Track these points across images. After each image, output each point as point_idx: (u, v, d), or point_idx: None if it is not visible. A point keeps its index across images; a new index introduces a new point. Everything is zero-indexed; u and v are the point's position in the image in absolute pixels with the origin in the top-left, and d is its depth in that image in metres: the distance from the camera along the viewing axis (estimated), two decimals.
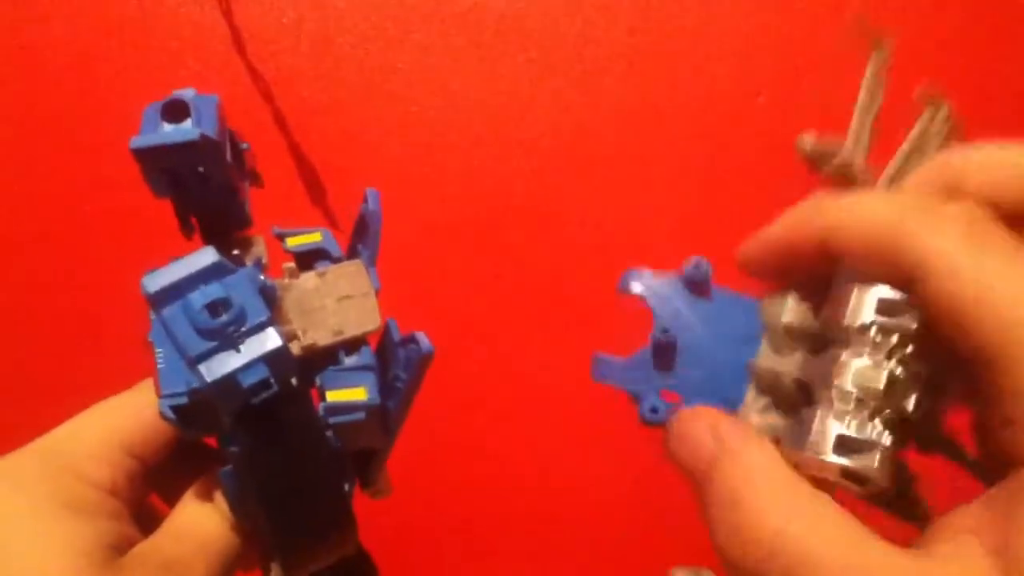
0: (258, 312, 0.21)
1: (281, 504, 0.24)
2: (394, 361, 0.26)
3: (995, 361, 0.18)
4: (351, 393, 0.25)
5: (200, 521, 0.26)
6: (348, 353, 0.26)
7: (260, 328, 0.21)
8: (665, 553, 0.65)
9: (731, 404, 0.24)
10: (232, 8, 0.66)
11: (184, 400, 0.23)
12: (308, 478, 0.25)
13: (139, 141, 0.25)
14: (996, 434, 0.18)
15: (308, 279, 0.26)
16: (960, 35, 0.68)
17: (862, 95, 0.27)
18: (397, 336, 0.26)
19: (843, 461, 0.20)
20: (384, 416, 0.26)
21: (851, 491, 0.21)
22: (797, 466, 0.21)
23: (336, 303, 0.26)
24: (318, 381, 0.25)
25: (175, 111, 0.25)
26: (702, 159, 0.67)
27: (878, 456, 0.20)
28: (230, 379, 0.20)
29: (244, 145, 0.28)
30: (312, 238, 0.28)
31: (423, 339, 0.25)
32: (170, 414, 0.23)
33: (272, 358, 0.20)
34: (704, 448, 0.21)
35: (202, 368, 0.20)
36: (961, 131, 0.26)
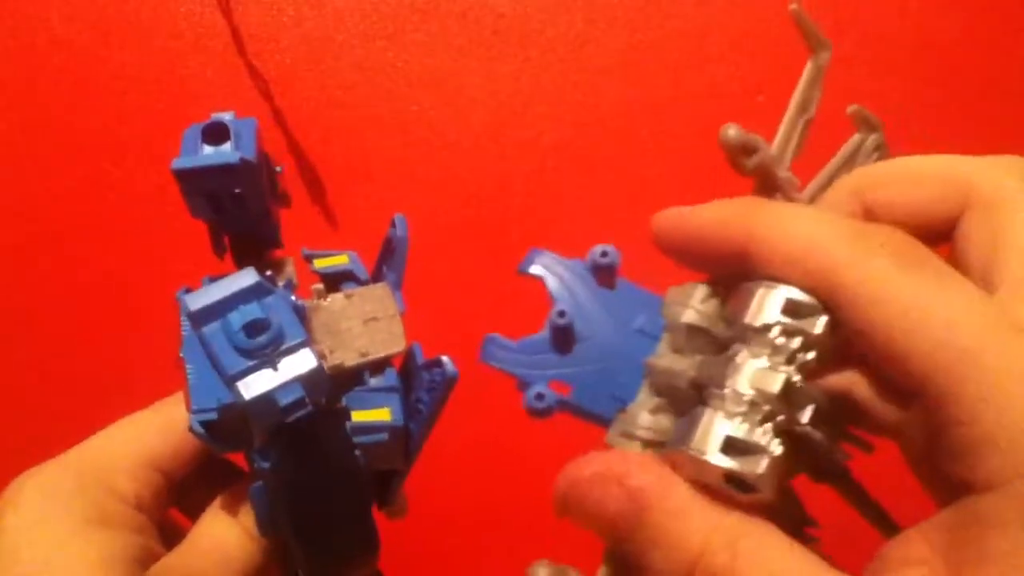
0: (295, 333, 0.21)
1: (309, 522, 0.24)
2: (418, 383, 0.26)
3: (937, 389, 0.17)
4: (376, 414, 0.25)
5: (223, 536, 0.26)
6: (373, 374, 0.26)
7: (297, 348, 0.21)
8: None
9: (621, 401, 0.23)
10: (232, 7, 0.66)
11: (215, 416, 0.23)
12: (336, 497, 0.25)
13: (181, 163, 0.25)
14: (941, 462, 0.18)
15: (335, 300, 0.27)
16: (960, 35, 0.68)
17: (794, 99, 0.26)
18: (421, 359, 0.26)
19: (727, 463, 0.19)
20: (407, 437, 0.26)
21: (733, 500, 0.19)
22: (676, 467, 0.20)
23: (362, 325, 0.26)
24: (344, 401, 0.25)
25: (215, 134, 0.25)
26: (702, 159, 0.67)
27: (765, 462, 0.19)
28: (267, 398, 0.20)
29: (278, 168, 0.29)
30: (339, 260, 0.29)
31: (448, 363, 0.25)
32: (200, 430, 0.23)
33: (308, 379, 0.21)
34: (617, 509, 0.20)
35: (240, 386, 0.21)
36: (888, 154, 0.25)
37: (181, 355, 0.25)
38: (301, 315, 0.24)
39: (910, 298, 0.17)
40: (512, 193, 0.66)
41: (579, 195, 0.67)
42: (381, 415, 0.25)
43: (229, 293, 0.22)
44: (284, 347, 0.21)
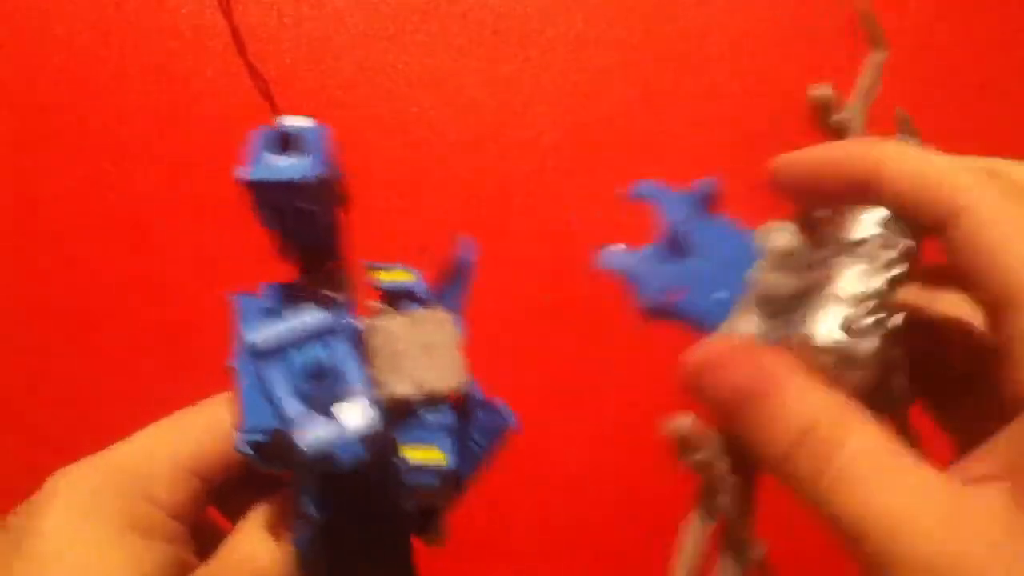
0: (356, 381, 0.21)
1: (347, 560, 0.24)
2: (473, 422, 0.25)
3: (1013, 301, 0.19)
4: (428, 454, 0.24)
5: (258, 554, 0.25)
6: (428, 408, 0.25)
7: (358, 399, 0.21)
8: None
9: (727, 311, 0.24)
10: (232, 7, 0.65)
11: (265, 439, 0.22)
12: (377, 535, 0.24)
13: (252, 174, 0.24)
14: (1010, 378, 0.19)
15: (395, 322, 0.26)
16: (961, 34, 0.68)
17: (863, 78, 0.28)
18: (478, 396, 0.25)
19: (843, 340, 0.20)
20: (457, 480, 0.25)
21: (840, 383, 0.20)
22: (791, 351, 0.21)
23: (421, 351, 0.25)
24: (393, 433, 0.25)
25: (289, 143, 0.25)
26: (701, 159, 0.67)
27: (877, 340, 0.20)
28: (324, 450, 0.20)
29: (339, 173, 0.28)
30: (403, 276, 0.28)
31: (506, 411, 0.25)
32: (248, 450, 0.23)
33: (367, 435, 0.21)
34: (743, 383, 0.21)
35: (297, 434, 0.20)
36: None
37: (234, 365, 0.24)
38: (359, 339, 0.24)
39: (1009, 221, 0.20)
40: (512, 193, 0.66)
41: (579, 195, 0.67)
42: (433, 456, 0.24)
43: (294, 332, 0.21)
44: (345, 396, 0.21)
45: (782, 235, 0.25)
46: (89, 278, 0.64)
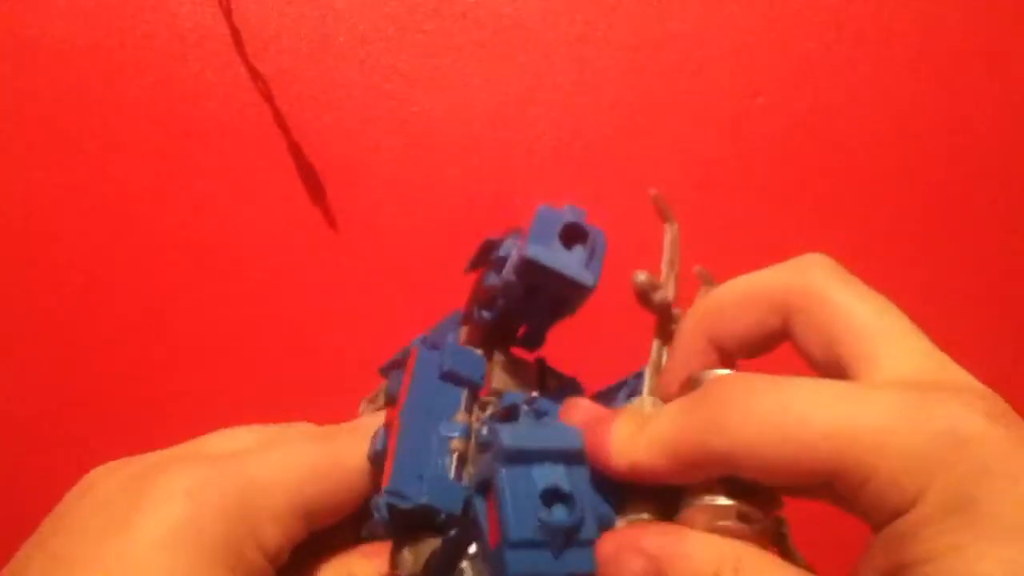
0: (591, 529, 0.20)
1: None
2: None
3: (839, 473, 0.19)
4: None
5: None
6: None
7: (585, 545, 0.20)
8: None
9: None
10: (232, 8, 0.66)
11: (409, 507, 0.22)
12: None
13: (538, 255, 0.24)
14: (869, 522, 0.19)
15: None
16: (961, 34, 0.68)
17: (665, 255, 0.30)
18: None
19: (733, 502, 0.21)
20: None
21: (743, 534, 0.21)
22: (689, 522, 0.21)
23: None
24: None
25: (575, 235, 0.25)
26: (701, 160, 0.67)
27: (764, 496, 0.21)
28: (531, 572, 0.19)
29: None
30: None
31: None
32: (384, 513, 0.22)
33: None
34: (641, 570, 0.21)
35: (511, 555, 0.19)
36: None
37: (398, 415, 0.23)
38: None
39: (769, 423, 0.20)
40: (512, 193, 0.66)
41: (579, 196, 0.67)
42: None
43: (547, 447, 0.20)
44: (576, 538, 0.19)
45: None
46: (87, 278, 0.64)
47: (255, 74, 0.65)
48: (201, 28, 0.65)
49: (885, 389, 0.19)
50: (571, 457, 0.20)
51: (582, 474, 0.20)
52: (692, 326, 0.26)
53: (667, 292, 0.27)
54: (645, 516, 0.22)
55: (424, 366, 0.25)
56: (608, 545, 0.21)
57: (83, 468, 0.26)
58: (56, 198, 0.65)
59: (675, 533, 0.21)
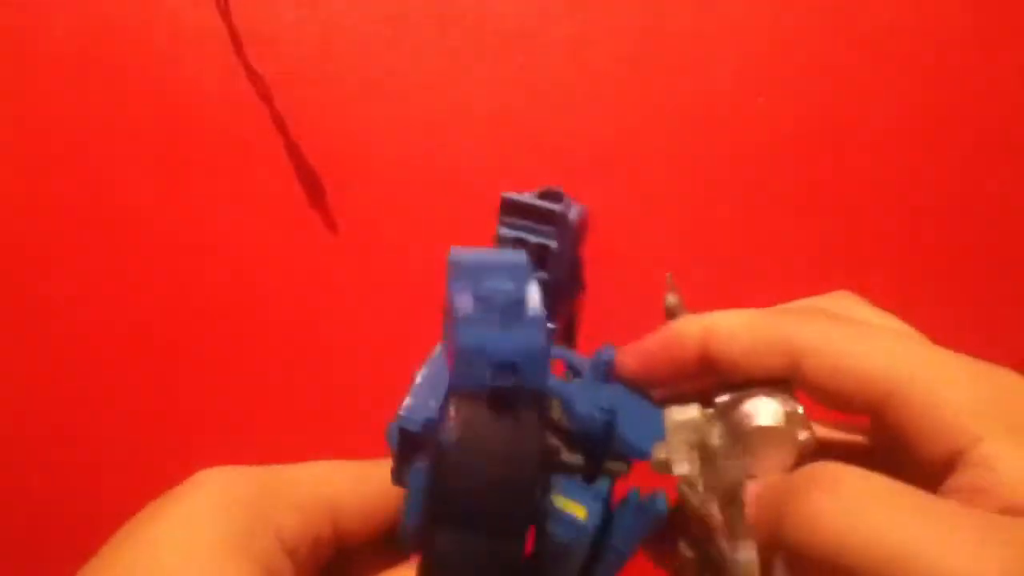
0: (536, 310, 0.21)
1: (454, 536, 0.22)
2: (620, 524, 0.24)
3: (901, 397, 0.21)
4: (572, 507, 0.23)
5: None
6: (585, 479, 0.25)
7: (531, 324, 0.21)
8: None
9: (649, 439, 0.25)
10: (231, 8, 0.65)
11: (416, 428, 0.23)
12: (492, 524, 0.22)
13: (511, 195, 0.27)
14: (919, 461, 0.21)
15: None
16: (962, 34, 0.68)
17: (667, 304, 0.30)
18: (635, 499, 0.24)
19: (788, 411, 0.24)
20: (584, 566, 0.24)
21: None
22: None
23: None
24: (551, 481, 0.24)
25: (551, 195, 0.28)
26: (701, 160, 0.67)
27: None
28: (480, 349, 0.20)
29: (582, 284, 0.31)
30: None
31: (661, 498, 0.24)
32: (394, 435, 0.23)
33: (527, 351, 0.20)
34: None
35: (460, 329, 0.20)
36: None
37: (414, 373, 0.25)
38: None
39: (851, 340, 0.22)
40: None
41: (579, 195, 0.67)
42: (576, 511, 0.23)
43: (493, 259, 0.23)
44: (520, 318, 0.20)
45: (684, 411, 0.25)
46: (87, 279, 0.64)
47: (254, 75, 0.65)
48: (200, 29, 0.65)
49: (952, 353, 0.21)
50: (518, 270, 0.22)
51: (532, 283, 0.22)
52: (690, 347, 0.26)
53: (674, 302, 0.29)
54: (693, 409, 0.24)
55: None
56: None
57: (81, 468, 0.26)
58: (55, 198, 0.64)
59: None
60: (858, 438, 0.25)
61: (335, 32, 0.66)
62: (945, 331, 0.26)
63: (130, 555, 0.23)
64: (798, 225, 0.65)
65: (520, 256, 0.23)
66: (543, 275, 0.27)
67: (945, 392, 0.20)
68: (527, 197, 0.27)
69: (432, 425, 0.22)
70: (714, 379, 0.24)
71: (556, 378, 0.26)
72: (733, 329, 0.23)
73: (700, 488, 0.23)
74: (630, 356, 0.26)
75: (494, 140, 0.67)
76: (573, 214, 0.27)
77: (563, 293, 0.29)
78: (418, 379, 0.24)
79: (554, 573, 0.23)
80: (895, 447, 0.21)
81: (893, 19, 0.68)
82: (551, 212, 0.26)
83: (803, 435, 0.23)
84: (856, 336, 0.22)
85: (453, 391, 0.20)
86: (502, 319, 0.20)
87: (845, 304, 0.24)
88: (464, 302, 0.21)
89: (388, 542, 0.27)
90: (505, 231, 0.27)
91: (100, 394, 0.64)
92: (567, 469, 0.25)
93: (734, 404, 0.24)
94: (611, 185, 0.67)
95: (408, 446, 0.23)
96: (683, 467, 0.23)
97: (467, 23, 0.67)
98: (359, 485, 0.26)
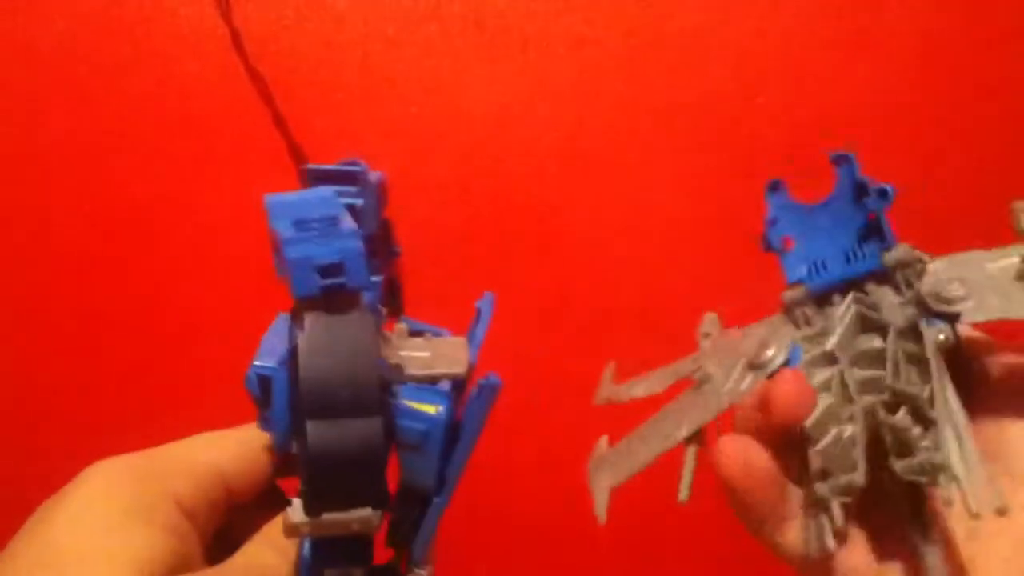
0: (348, 225, 0.24)
1: (317, 430, 0.24)
2: (465, 412, 0.27)
3: None
4: (424, 406, 0.26)
5: (262, 559, 0.26)
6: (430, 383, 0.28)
7: (346, 235, 0.23)
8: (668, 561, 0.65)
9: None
10: (231, 8, 0.65)
11: (269, 372, 0.25)
12: (356, 437, 0.24)
13: (313, 166, 0.31)
14: None
15: (415, 340, 0.30)
16: (962, 34, 0.68)
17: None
18: (473, 392, 0.27)
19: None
20: (444, 451, 0.26)
21: None
22: None
23: (433, 354, 0.29)
24: (397, 391, 0.26)
25: (349, 165, 0.30)
26: (702, 160, 0.67)
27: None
28: (307, 259, 0.23)
29: (396, 249, 0.33)
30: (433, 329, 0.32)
31: (491, 375, 0.26)
32: (254, 380, 0.26)
33: (349, 253, 0.23)
34: None
35: (287, 248, 0.23)
36: None
37: (264, 336, 0.28)
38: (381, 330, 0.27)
39: None
40: (511, 194, 0.66)
41: (579, 196, 0.67)
42: (429, 408, 0.26)
43: (305, 197, 0.25)
44: (336, 233, 0.23)
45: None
46: (88, 277, 0.64)
47: (254, 75, 0.65)
48: (200, 29, 0.65)
49: None
50: (328, 202, 0.25)
51: (340, 207, 0.25)
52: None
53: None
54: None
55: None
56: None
57: (79, 464, 0.27)
58: (55, 198, 0.65)
59: None
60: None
61: (335, 32, 0.66)
62: None
63: (32, 551, 0.24)
64: None
65: (328, 191, 0.26)
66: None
67: None
68: (328, 166, 0.30)
69: (280, 367, 0.25)
70: None
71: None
72: None
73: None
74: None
75: (494, 140, 0.67)
76: (374, 176, 0.30)
77: (379, 252, 0.32)
78: (268, 333, 0.27)
79: (418, 462, 0.26)
80: None
81: (893, 19, 0.68)
82: (353, 173, 0.29)
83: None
84: None
85: (296, 303, 0.24)
86: (320, 234, 0.23)
87: None
88: (286, 228, 0.23)
89: (269, 497, 0.29)
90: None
91: (98, 388, 0.64)
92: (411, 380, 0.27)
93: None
94: (611, 184, 0.67)
95: (266, 391, 0.25)
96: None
97: (467, 23, 0.67)
98: (241, 448, 0.28)
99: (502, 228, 0.65)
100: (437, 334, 0.31)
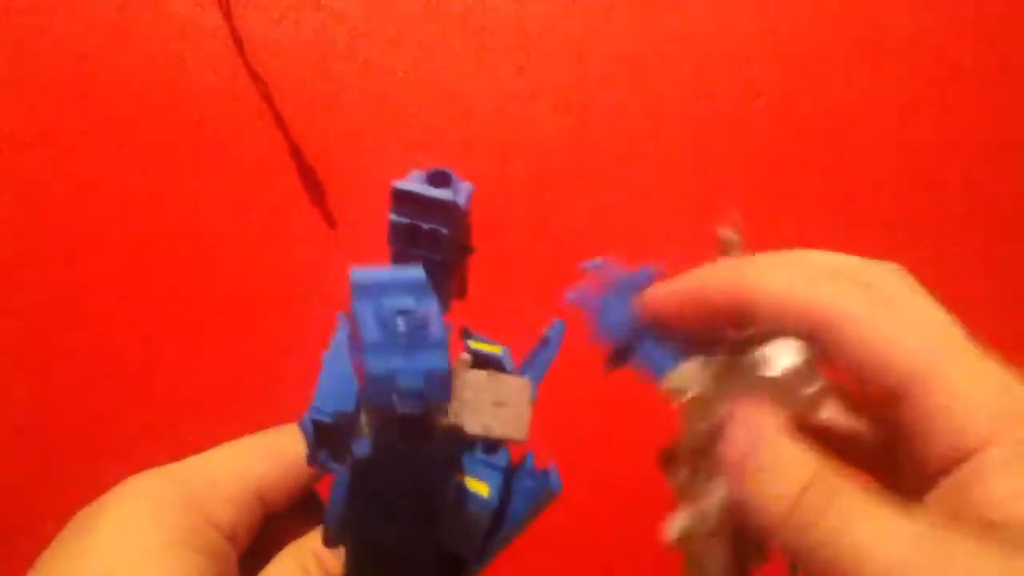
0: (438, 331, 0.22)
1: (374, 527, 0.24)
2: (518, 489, 0.26)
3: (918, 388, 0.20)
4: (474, 484, 0.25)
5: None
6: (485, 451, 0.27)
7: (434, 346, 0.22)
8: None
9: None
10: (232, 10, 0.66)
11: (328, 420, 0.24)
12: (408, 531, 0.24)
13: (402, 184, 0.28)
14: (928, 447, 0.21)
15: (476, 375, 0.28)
16: (961, 34, 0.68)
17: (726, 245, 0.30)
18: (530, 464, 0.26)
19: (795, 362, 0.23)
20: (490, 527, 0.26)
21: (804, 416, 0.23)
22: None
23: (492, 405, 0.27)
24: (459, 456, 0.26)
25: (440, 179, 0.28)
26: (702, 161, 0.67)
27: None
28: (389, 377, 0.21)
29: (472, 248, 0.31)
30: (492, 349, 0.30)
31: (554, 474, 0.25)
32: (308, 427, 0.24)
33: (431, 376, 0.21)
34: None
35: (369, 357, 0.21)
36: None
37: (323, 358, 0.26)
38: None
39: (885, 317, 0.21)
40: (511, 194, 0.66)
41: (579, 197, 0.67)
42: (479, 488, 0.25)
43: (394, 278, 0.23)
44: (423, 340, 0.22)
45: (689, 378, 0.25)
46: (88, 278, 0.64)
47: (255, 76, 0.66)
48: (201, 30, 0.65)
49: (979, 350, 0.21)
50: (417, 288, 0.23)
51: (430, 300, 0.23)
52: (728, 283, 0.25)
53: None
54: (700, 357, 0.24)
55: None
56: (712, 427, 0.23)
57: (82, 468, 0.26)
58: (56, 198, 0.65)
59: (775, 424, 0.22)
60: (864, 424, 0.25)
61: (335, 32, 0.66)
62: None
63: (74, 564, 0.24)
64: (798, 223, 0.65)
65: (418, 273, 0.23)
66: (437, 256, 0.28)
67: (967, 389, 0.20)
68: (418, 186, 0.28)
69: (343, 416, 0.24)
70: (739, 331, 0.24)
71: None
72: (771, 289, 0.22)
73: (707, 414, 0.24)
74: (659, 298, 0.26)
75: (494, 140, 0.67)
76: (462, 198, 0.28)
77: (455, 264, 0.30)
78: (324, 368, 0.25)
79: (461, 535, 0.26)
80: (902, 436, 0.22)
81: (893, 19, 0.68)
82: (443, 203, 0.27)
83: (815, 386, 0.23)
84: (892, 314, 0.21)
85: (365, 406, 0.22)
86: (407, 344, 0.21)
87: (892, 281, 0.23)
88: (370, 327, 0.22)
89: (304, 503, 0.29)
90: (397, 218, 0.28)
91: (99, 390, 0.64)
92: (470, 441, 0.26)
93: (750, 345, 0.24)
94: (610, 184, 0.67)
95: (321, 435, 0.24)
96: (701, 388, 0.24)
97: (467, 23, 0.67)
98: (278, 463, 0.28)
99: (500, 228, 0.65)
100: (499, 363, 0.29)
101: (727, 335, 0.24)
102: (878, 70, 0.67)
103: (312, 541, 0.27)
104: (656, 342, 0.25)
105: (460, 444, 0.26)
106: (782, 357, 0.23)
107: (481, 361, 0.29)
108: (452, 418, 0.25)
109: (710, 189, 0.66)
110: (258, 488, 0.27)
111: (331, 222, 0.65)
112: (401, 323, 0.22)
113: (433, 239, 0.27)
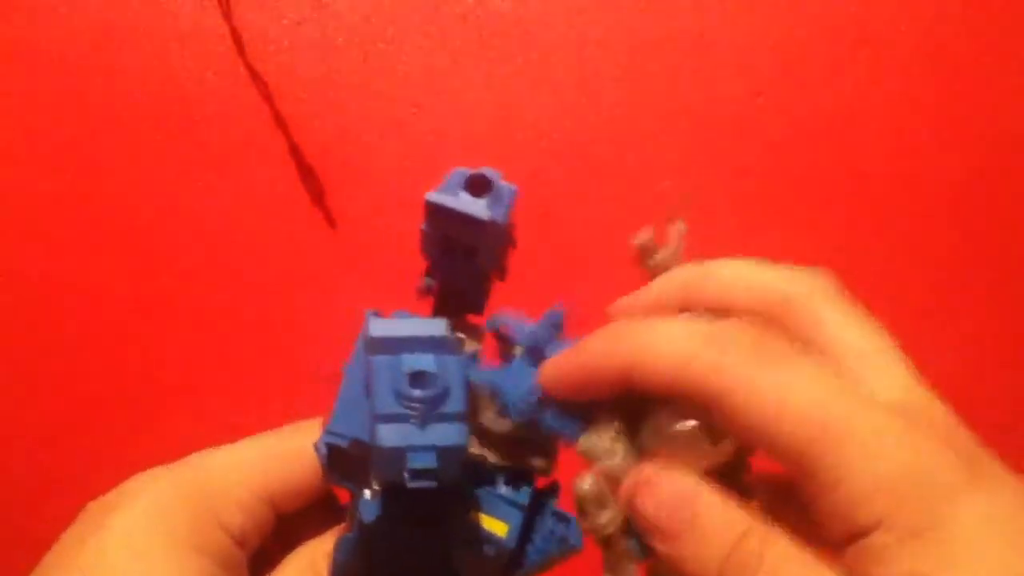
0: (457, 403, 0.21)
1: (385, 567, 0.24)
2: (539, 528, 0.25)
3: (810, 461, 0.20)
4: (493, 523, 0.24)
5: None
6: (508, 483, 0.25)
7: (451, 419, 0.20)
8: None
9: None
10: (232, 10, 0.66)
11: (344, 445, 0.23)
12: (419, 554, 0.24)
13: (435, 197, 0.25)
14: (826, 522, 0.20)
15: None
16: (962, 34, 0.68)
17: (673, 235, 0.29)
18: (552, 505, 0.25)
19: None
20: (507, 564, 0.25)
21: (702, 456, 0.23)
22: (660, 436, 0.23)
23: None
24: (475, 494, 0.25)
25: (479, 185, 0.26)
26: (702, 160, 0.67)
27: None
28: (400, 452, 0.20)
29: (514, 241, 0.29)
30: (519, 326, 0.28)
31: (575, 531, 0.24)
32: (323, 450, 0.23)
33: (447, 453, 0.20)
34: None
35: (381, 428, 0.20)
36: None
37: (343, 370, 0.25)
38: (472, 390, 0.24)
39: (772, 389, 0.20)
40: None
41: (578, 196, 0.67)
42: (497, 527, 0.24)
43: (414, 334, 0.21)
44: (440, 411, 0.20)
45: (584, 481, 0.24)
46: (88, 278, 0.64)
47: (255, 75, 0.66)
48: (201, 30, 0.65)
49: (875, 410, 0.20)
50: (439, 345, 0.21)
51: (452, 360, 0.21)
52: (674, 284, 0.26)
53: (665, 257, 0.28)
54: (612, 430, 0.23)
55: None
56: (629, 486, 0.23)
57: (85, 468, 0.26)
58: (56, 198, 0.65)
59: (699, 482, 0.22)
60: (781, 479, 0.24)
61: (335, 32, 0.66)
62: (943, 331, 0.27)
63: (82, 561, 0.24)
64: (797, 222, 0.65)
65: (440, 327, 0.22)
66: (473, 269, 0.27)
67: (859, 464, 0.19)
68: (451, 200, 0.25)
69: (359, 446, 0.23)
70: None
71: (483, 367, 0.26)
72: (653, 367, 0.22)
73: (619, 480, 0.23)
74: (552, 376, 0.25)
75: (494, 139, 0.67)
76: (501, 210, 0.26)
77: (488, 277, 0.29)
78: (344, 382, 0.24)
79: (477, 571, 0.25)
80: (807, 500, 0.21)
81: (893, 19, 0.68)
82: (476, 221, 0.25)
83: (722, 442, 0.22)
84: (778, 381, 0.20)
85: (375, 475, 0.21)
86: (422, 415, 0.20)
87: (815, 301, 0.23)
88: (383, 393, 0.20)
89: (319, 502, 0.28)
90: (431, 228, 0.26)
91: (99, 390, 0.64)
92: (493, 472, 0.25)
93: (653, 408, 0.23)
94: (611, 183, 0.67)
95: (335, 458, 0.23)
96: (612, 459, 0.23)
97: (468, 23, 0.67)
98: (290, 463, 0.27)
99: None
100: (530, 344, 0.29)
101: (630, 398, 0.23)
102: (878, 70, 0.67)
103: (326, 543, 0.27)
104: (559, 413, 0.24)
105: (477, 480, 0.25)
106: (681, 421, 0.23)
107: (504, 339, 0.27)
108: (478, 447, 0.24)
109: (709, 187, 0.66)
110: (269, 489, 0.27)
111: (331, 222, 0.65)
112: (417, 390, 0.20)
113: (468, 256, 0.25)
